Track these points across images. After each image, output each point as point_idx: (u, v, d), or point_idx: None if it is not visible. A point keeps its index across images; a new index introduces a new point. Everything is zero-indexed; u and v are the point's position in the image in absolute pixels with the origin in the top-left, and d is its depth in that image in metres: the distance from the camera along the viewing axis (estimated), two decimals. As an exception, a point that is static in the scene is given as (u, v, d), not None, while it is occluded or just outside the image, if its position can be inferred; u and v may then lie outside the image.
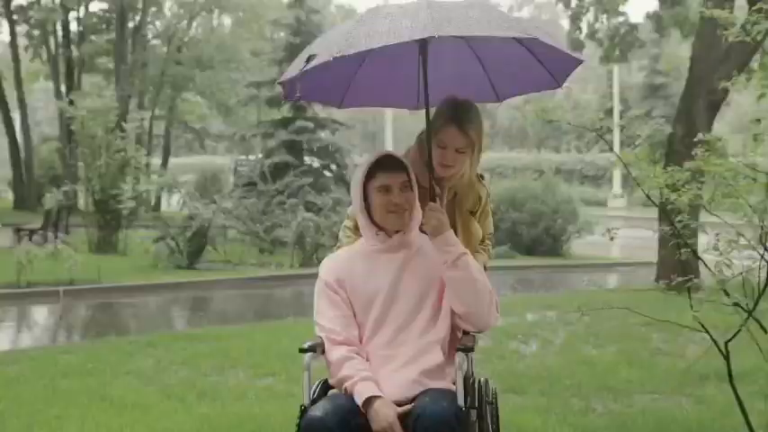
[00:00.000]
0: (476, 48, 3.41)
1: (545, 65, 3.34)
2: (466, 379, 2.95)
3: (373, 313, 2.97)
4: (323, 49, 2.87)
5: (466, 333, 3.06)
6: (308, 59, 2.85)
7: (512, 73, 3.49)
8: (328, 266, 3.09)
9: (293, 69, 3.03)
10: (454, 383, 2.90)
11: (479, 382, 3.18)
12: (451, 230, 2.98)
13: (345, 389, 2.86)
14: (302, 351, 2.93)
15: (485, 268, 3.36)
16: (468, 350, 2.93)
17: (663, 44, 39.35)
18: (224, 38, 31.23)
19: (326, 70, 2.94)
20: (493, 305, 2.95)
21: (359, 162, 3.28)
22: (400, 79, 3.54)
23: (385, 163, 3.01)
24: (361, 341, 2.99)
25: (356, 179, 3.07)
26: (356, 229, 3.25)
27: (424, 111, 3.20)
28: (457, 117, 3.18)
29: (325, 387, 3.04)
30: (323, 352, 2.96)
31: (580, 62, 3.30)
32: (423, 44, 3.01)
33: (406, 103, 3.74)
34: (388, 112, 28.23)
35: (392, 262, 3.02)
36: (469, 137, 3.19)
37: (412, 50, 3.20)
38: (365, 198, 3.04)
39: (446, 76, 3.42)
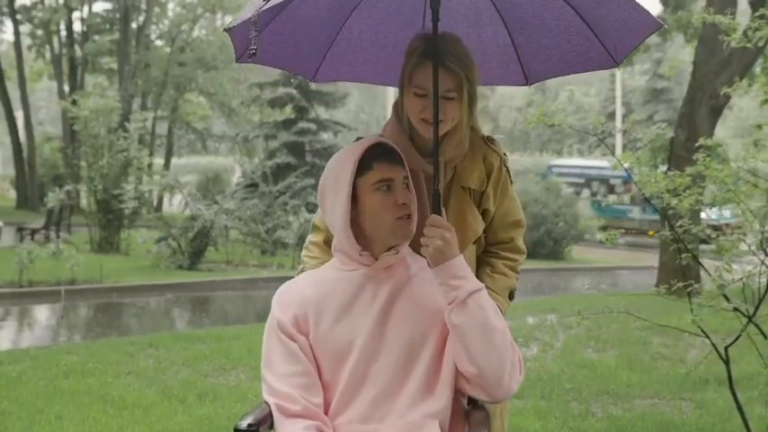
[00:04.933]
0: (502, 10, 2.51)
1: (600, 36, 2.42)
2: None
3: (346, 371, 2.08)
4: None
5: (473, 402, 2.17)
6: None
7: (550, 47, 2.54)
8: (284, 300, 2.16)
9: (248, 11, 2.08)
10: None
11: None
12: (461, 256, 2.07)
13: None
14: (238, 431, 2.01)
15: (511, 296, 2.51)
16: None
17: (666, 48, 39.41)
18: (227, 39, 31.22)
19: (297, 32, 2.35)
20: (516, 366, 2.06)
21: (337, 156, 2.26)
22: (392, 49, 2.64)
23: (379, 152, 2.15)
24: (326, 412, 2.09)
25: (339, 174, 2.14)
26: (326, 244, 2.36)
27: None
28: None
29: None
30: (271, 427, 2.08)
31: (658, 27, 2.33)
32: None
33: (394, 80, 2.65)
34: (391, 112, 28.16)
35: (376, 296, 2.12)
36: (456, 74, 2.25)
37: (414, 10, 2.51)
38: (354, 201, 2.14)
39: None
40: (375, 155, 2.13)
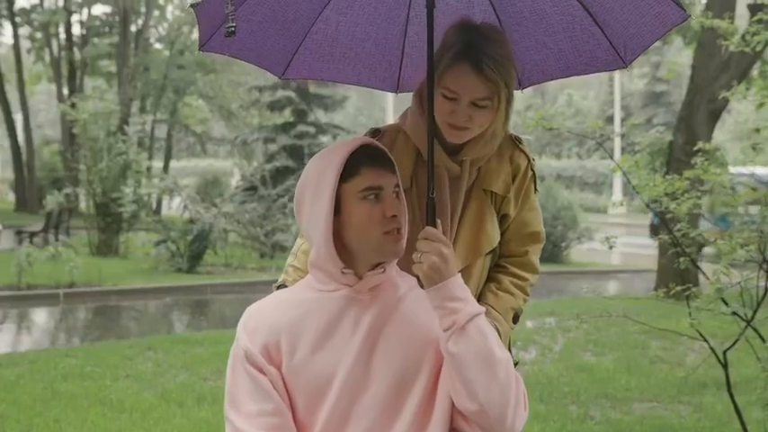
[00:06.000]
0: (497, 2, 2.26)
1: (608, 33, 2.16)
2: None
3: (325, 409, 1.79)
4: None
5: None
6: None
7: (548, 45, 2.28)
8: (252, 326, 1.85)
9: None
10: None
11: None
12: (459, 275, 1.79)
13: None
14: None
15: (515, 318, 2.23)
16: None
17: (664, 52, 39.48)
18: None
19: (268, 21, 2.14)
20: (521, 402, 1.79)
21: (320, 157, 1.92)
22: (372, 45, 2.38)
23: (367, 154, 1.85)
24: None
25: (321, 178, 1.84)
26: None
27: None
28: (473, 50, 2.00)
29: None
30: None
31: (682, 20, 2.02)
32: None
33: (378, 83, 2.49)
34: (390, 117, 28.20)
35: (359, 322, 1.82)
36: (493, 81, 2.00)
37: (398, 1, 2.28)
38: (336, 210, 1.83)
39: None
40: (362, 157, 1.83)
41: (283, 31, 2.25)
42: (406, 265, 1.87)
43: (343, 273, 1.83)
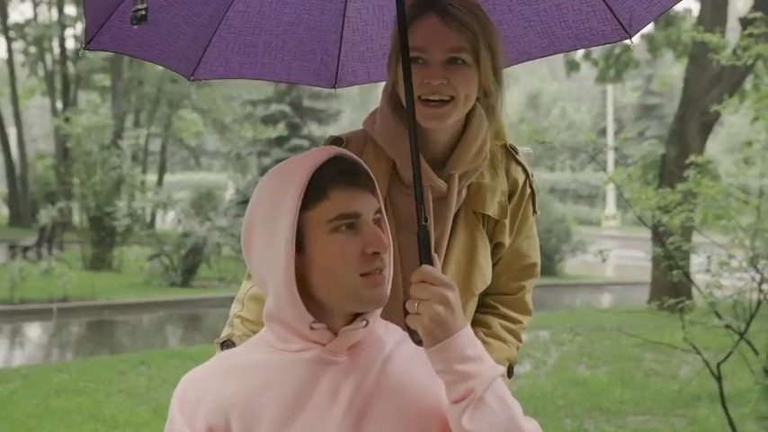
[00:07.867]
0: None
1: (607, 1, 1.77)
2: None
3: None
4: None
5: None
6: None
7: (528, 17, 1.83)
8: (192, 400, 1.36)
9: None
10: None
11: None
12: (468, 328, 1.35)
13: None
14: None
15: (509, 371, 1.81)
16: None
17: (657, 64, 39.69)
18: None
19: (173, 8, 1.73)
20: None
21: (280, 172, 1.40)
22: (304, 31, 1.92)
23: (337, 170, 1.37)
24: None
25: (277, 204, 1.36)
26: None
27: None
28: (438, 1, 1.63)
29: None
30: None
31: None
32: None
33: (312, 77, 2.02)
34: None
35: (338, 393, 1.35)
36: (466, 27, 1.60)
37: None
38: (299, 246, 1.35)
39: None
40: (331, 174, 1.35)
41: (192, 17, 1.78)
42: (391, 315, 1.47)
43: (312, 328, 1.35)
